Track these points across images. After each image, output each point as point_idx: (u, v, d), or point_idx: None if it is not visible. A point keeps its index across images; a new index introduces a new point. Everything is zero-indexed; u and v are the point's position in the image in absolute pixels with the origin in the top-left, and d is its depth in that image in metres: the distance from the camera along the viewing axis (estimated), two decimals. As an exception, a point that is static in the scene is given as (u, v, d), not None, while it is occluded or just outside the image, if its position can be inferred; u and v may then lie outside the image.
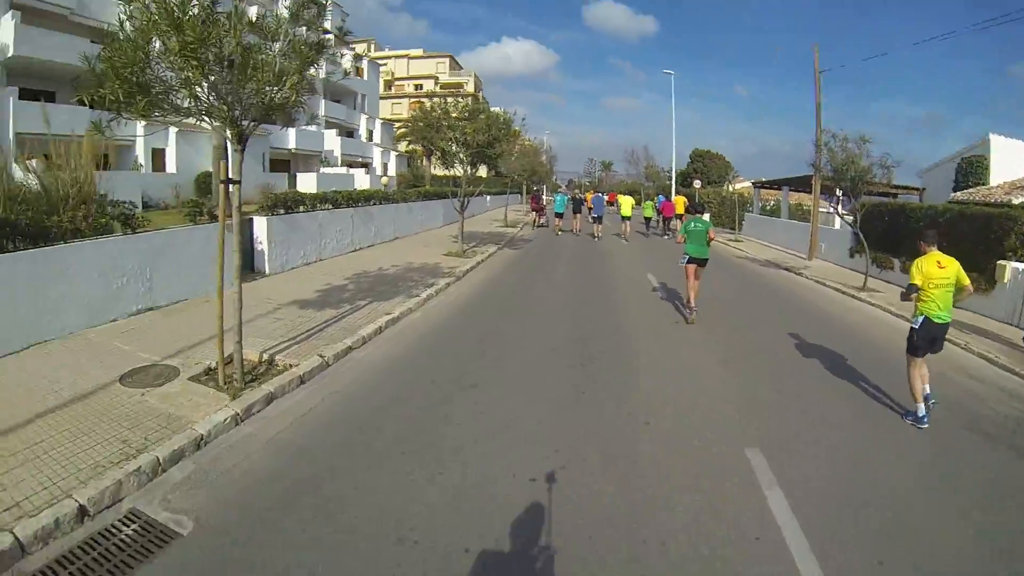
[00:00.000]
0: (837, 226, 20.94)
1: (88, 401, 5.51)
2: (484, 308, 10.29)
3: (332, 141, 42.49)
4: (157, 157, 28.18)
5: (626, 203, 25.02)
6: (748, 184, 63.65)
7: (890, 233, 15.97)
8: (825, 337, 9.10)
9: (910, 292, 5.83)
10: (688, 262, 9.68)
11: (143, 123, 22.66)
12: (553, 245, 21.10)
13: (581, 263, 16.27)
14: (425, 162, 55.00)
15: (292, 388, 6.26)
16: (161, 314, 8.88)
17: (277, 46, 5.56)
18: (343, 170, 41.10)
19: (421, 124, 16.06)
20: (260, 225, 12.54)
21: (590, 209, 25.60)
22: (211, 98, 5.19)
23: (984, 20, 39.80)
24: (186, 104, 5.23)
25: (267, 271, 12.50)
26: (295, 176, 36.71)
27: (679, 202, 28.70)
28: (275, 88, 5.46)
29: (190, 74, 4.92)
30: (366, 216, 17.15)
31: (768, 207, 37.26)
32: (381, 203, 18.40)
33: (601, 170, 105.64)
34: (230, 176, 5.86)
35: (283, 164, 38.95)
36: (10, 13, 20.32)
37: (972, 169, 23.24)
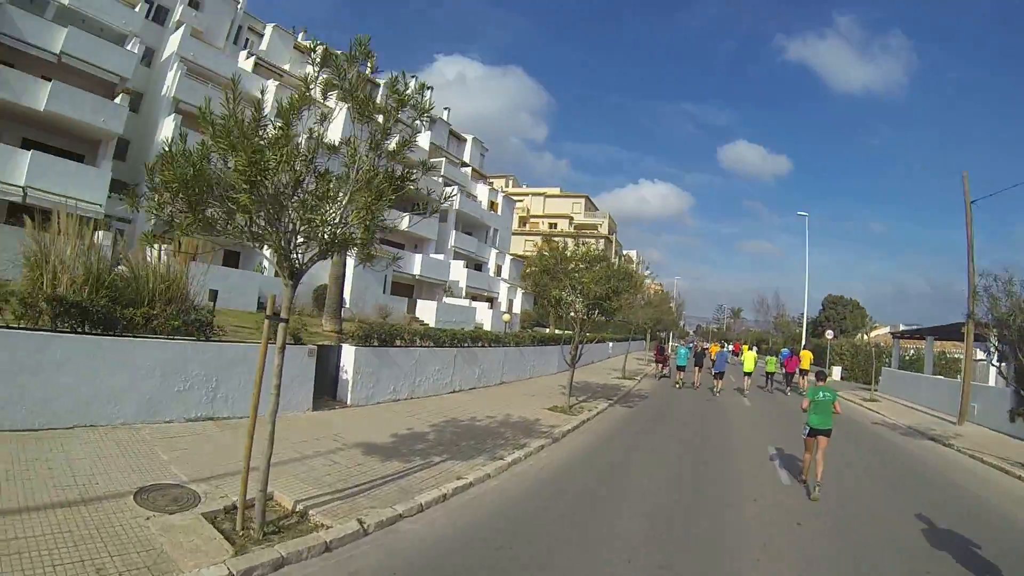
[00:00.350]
0: (992, 382, 18.50)
1: (91, 508, 5.21)
2: (573, 484, 8.68)
3: (458, 272, 43.75)
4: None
5: (749, 359, 25.34)
6: (885, 331, 58.42)
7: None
8: (984, 539, 7.10)
9: None
10: (810, 434, 9.40)
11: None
12: (670, 403, 19.35)
13: (696, 429, 14.29)
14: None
15: (311, 556, 5.29)
16: (217, 426, 8.71)
17: (337, 182, 4.98)
18: (466, 302, 41.91)
19: (535, 268, 15.40)
20: (347, 354, 12.30)
21: (713, 363, 25.37)
22: (262, 224, 4.63)
23: None
24: (238, 226, 4.71)
25: (348, 402, 12.12)
26: (416, 302, 37.49)
27: (805, 357, 27.94)
28: (338, 224, 4.84)
29: (244, 200, 4.38)
30: (470, 357, 16.69)
31: (907, 357, 34.32)
32: (490, 345, 17.95)
33: (730, 317, 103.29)
34: (280, 313, 5.14)
35: (406, 288, 40.18)
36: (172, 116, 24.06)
37: None
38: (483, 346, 17.42)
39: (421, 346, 14.32)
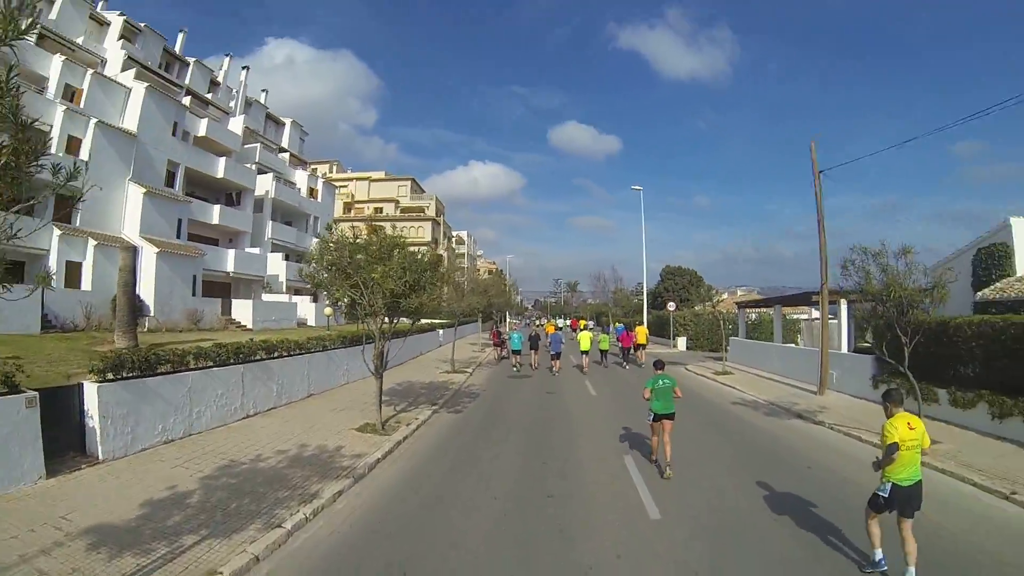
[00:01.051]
0: (844, 348, 18.71)
1: None
2: (371, 555, 6.66)
3: (277, 265, 40.25)
4: (72, 272, 25.27)
5: (584, 339, 25.86)
6: (726, 298, 61.54)
7: (929, 357, 13.51)
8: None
9: (891, 453, 5.72)
10: (655, 419, 9.93)
11: (58, 232, 18.82)
12: (505, 399, 18.20)
13: (537, 434, 13.06)
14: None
15: None
16: None
17: None
18: (285, 297, 38.65)
19: (313, 265, 12.63)
20: (91, 394, 9.52)
21: (548, 345, 26.79)
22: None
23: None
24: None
25: (100, 456, 9.44)
26: (231, 302, 33.99)
27: (640, 332, 29.40)
28: None
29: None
30: (264, 372, 14.25)
31: (749, 322, 34.91)
32: (289, 354, 15.55)
33: (567, 291, 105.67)
34: None
35: (221, 287, 36.25)
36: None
37: (994, 260, 21.57)
38: (280, 356, 14.98)
39: (195, 368, 11.75)
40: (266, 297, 37.19)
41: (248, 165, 40.46)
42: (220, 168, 36.82)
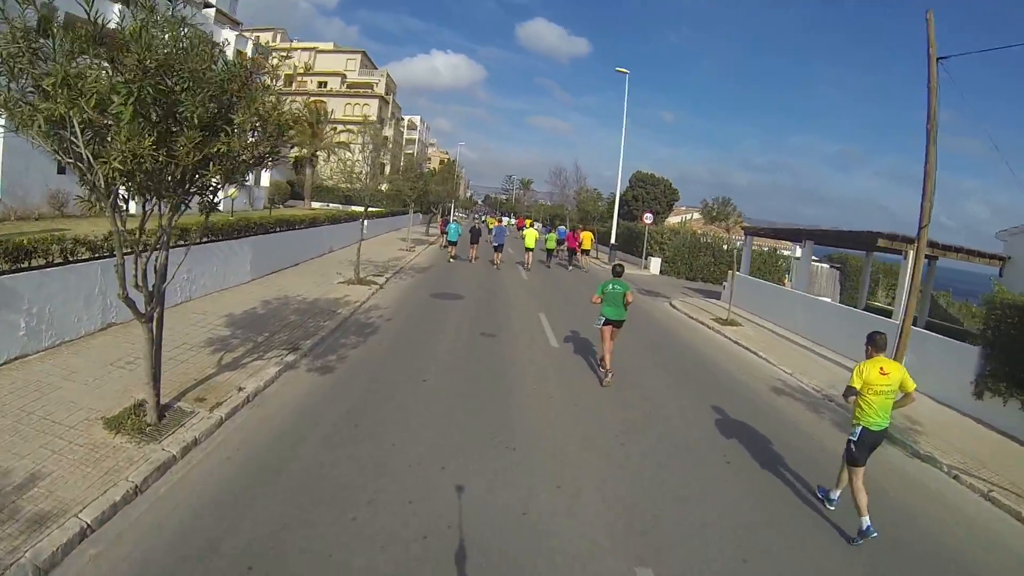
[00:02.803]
0: (900, 313, 11.80)
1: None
2: None
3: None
4: None
5: (530, 236, 24.91)
6: (690, 216, 54.38)
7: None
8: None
9: (848, 395, 5.77)
10: (604, 323, 9.44)
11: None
12: (418, 338, 11.47)
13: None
14: (309, 169, 45.52)
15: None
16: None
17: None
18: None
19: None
20: None
21: (491, 235, 26.80)
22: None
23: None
24: None
25: None
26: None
27: (586, 237, 27.90)
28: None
29: None
30: None
31: (735, 250, 28.35)
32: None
33: (519, 189, 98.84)
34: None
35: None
36: None
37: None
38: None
39: None
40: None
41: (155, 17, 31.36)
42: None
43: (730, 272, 21.05)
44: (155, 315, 6.01)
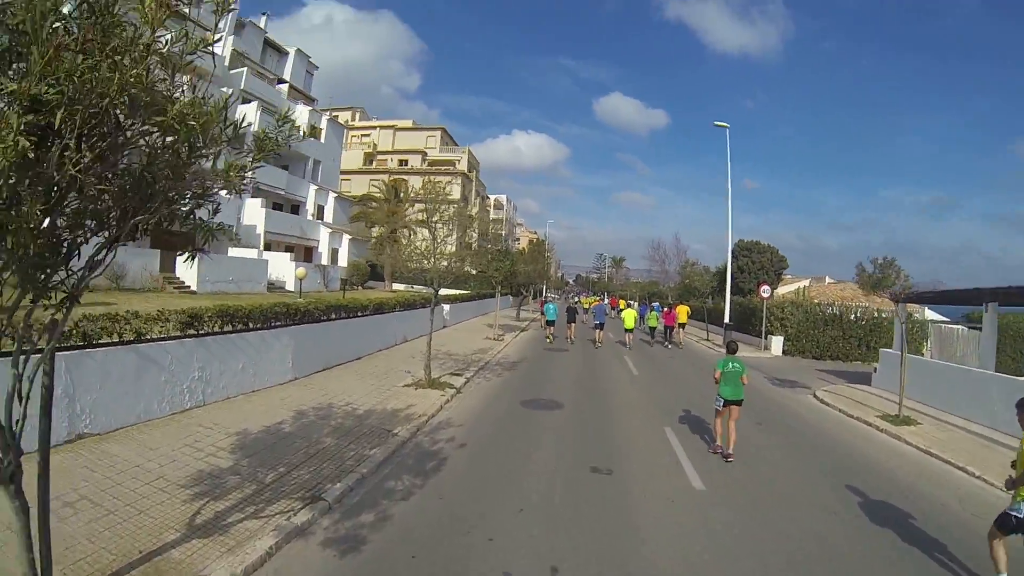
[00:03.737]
0: None
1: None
2: None
3: (255, 213, 31.00)
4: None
5: (629, 316, 24.67)
6: (803, 283, 50.12)
7: None
8: None
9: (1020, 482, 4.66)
10: (724, 405, 8.82)
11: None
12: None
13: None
14: (389, 250, 43.92)
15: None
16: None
17: None
18: (253, 253, 29.41)
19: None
20: None
21: (586, 313, 26.98)
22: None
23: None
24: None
25: None
26: (174, 256, 24.98)
27: (682, 311, 27.02)
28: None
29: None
30: None
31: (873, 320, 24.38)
32: None
33: (611, 267, 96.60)
34: None
35: (184, 237, 27.23)
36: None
37: None
38: None
39: None
40: (232, 252, 28.20)
41: (224, 89, 31.25)
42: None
43: (881, 351, 16.67)
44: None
